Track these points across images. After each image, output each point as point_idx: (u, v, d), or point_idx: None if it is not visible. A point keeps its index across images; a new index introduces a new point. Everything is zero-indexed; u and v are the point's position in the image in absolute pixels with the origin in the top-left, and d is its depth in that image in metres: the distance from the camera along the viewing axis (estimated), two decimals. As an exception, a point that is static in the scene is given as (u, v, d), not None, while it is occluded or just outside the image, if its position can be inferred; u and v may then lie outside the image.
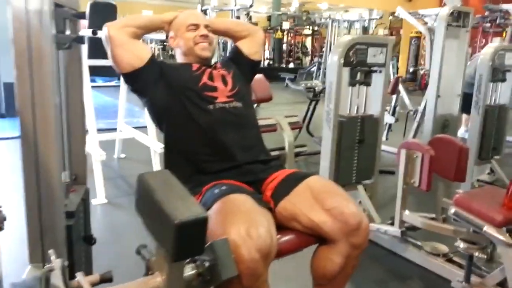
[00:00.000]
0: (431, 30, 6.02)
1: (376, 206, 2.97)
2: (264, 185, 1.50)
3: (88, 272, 1.54)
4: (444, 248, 2.40)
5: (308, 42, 17.85)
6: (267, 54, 17.29)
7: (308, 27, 16.43)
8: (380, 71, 2.82)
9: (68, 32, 1.19)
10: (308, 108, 4.61)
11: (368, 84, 2.79)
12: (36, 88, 0.97)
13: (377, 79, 2.85)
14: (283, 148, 3.40)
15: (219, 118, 1.53)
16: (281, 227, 1.38)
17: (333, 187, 1.41)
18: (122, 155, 4.40)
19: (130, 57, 1.53)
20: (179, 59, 1.72)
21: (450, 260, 2.32)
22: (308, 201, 1.35)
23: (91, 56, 3.58)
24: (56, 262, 0.88)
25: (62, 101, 1.35)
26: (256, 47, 1.83)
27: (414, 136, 4.80)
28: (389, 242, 2.56)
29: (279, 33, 15.63)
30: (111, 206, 3.19)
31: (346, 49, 2.55)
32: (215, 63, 1.78)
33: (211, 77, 1.62)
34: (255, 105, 8.42)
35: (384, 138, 5.12)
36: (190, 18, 1.68)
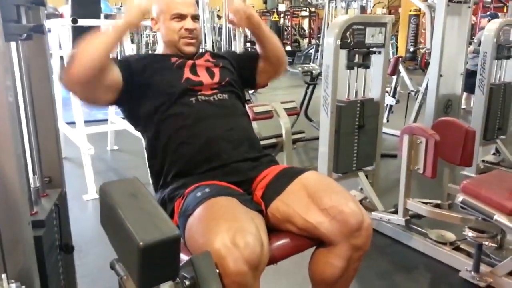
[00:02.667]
0: (431, 7, 5.84)
1: (378, 192, 2.85)
2: (254, 184, 1.36)
3: (69, 281, 1.43)
4: (451, 236, 2.29)
5: (306, 24, 17.54)
6: (264, 38, 17.03)
7: (305, 8, 16.12)
8: (380, 52, 2.67)
9: (24, 22, 1.05)
10: (306, 92, 4.46)
11: (367, 66, 2.65)
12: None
13: (377, 61, 2.70)
14: (280, 135, 3.26)
15: (202, 111, 1.38)
16: (274, 229, 1.25)
17: (331, 184, 1.28)
18: (115, 147, 4.27)
19: (104, 92, 1.35)
20: (159, 45, 1.57)
21: (457, 248, 2.21)
22: (303, 201, 1.22)
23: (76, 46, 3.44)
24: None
25: (26, 97, 1.22)
26: (269, 79, 1.68)
27: (416, 118, 4.66)
28: (393, 231, 2.45)
29: (276, 15, 15.35)
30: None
31: (342, 30, 2.40)
32: (205, 52, 1.62)
33: (193, 70, 1.46)
34: (251, 91, 8.22)
35: (384, 120, 4.98)
36: (177, 6, 1.46)
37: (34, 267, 1.04)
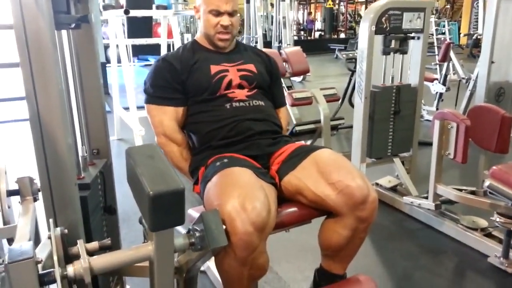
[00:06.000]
0: (487, -10, 5.54)
1: (415, 179, 2.86)
2: (272, 159, 1.49)
3: (113, 240, 1.64)
4: (483, 222, 2.28)
5: (363, 10, 17.12)
6: (317, 25, 16.84)
7: (361, -6, 15.75)
8: (418, 38, 2.66)
9: (73, 12, 1.24)
10: (350, 79, 4.47)
11: (404, 52, 2.65)
12: (37, 70, 1.02)
13: (415, 46, 2.70)
14: (319, 121, 3.34)
15: (235, 112, 1.53)
16: (287, 200, 1.38)
17: (341, 161, 1.37)
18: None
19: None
20: (199, 33, 1.71)
21: (489, 235, 2.20)
22: (314, 176, 1.33)
23: (131, 35, 3.71)
24: (56, 231, 0.95)
25: (76, 81, 1.42)
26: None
27: (467, 106, 4.52)
28: (425, 216, 2.47)
29: (330, 2, 15.12)
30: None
31: (378, 15, 2.43)
32: (245, 46, 1.76)
33: (229, 85, 1.58)
34: (300, 79, 8.28)
35: (434, 108, 4.87)
36: (215, 2, 1.55)
37: (80, 222, 1.24)
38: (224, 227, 1.05)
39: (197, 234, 1.00)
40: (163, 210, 0.83)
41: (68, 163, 1.16)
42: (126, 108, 3.92)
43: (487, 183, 1.91)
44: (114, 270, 0.95)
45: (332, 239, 1.33)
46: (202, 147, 1.55)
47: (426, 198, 2.42)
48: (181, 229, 1.46)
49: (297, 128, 3.37)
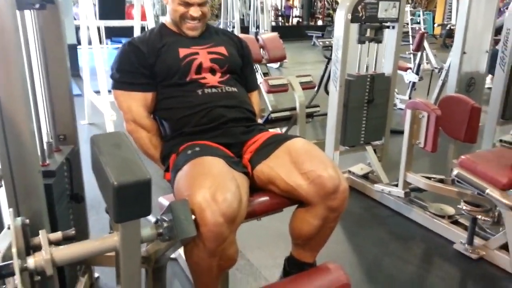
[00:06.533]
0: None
1: (386, 167, 2.91)
2: (245, 147, 1.48)
3: (81, 229, 1.61)
4: (450, 210, 2.34)
5: (340, -3, 17.12)
6: (295, 12, 16.77)
7: (339, -19, 15.71)
8: (393, 27, 2.68)
9: (36, -9, 1.18)
10: (326, 67, 4.48)
11: (379, 41, 2.67)
12: (-4, 50, 0.98)
13: (390, 35, 2.71)
14: (294, 109, 3.34)
15: (208, 98, 1.50)
16: (259, 189, 1.37)
17: (313, 150, 1.36)
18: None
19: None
20: (168, 18, 1.66)
21: (455, 222, 2.27)
22: (286, 165, 1.32)
23: (102, 17, 3.59)
24: (17, 220, 0.91)
25: (41, 64, 1.36)
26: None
27: (438, 96, 4.60)
28: (395, 203, 2.52)
29: (308, -12, 15.05)
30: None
31: (354, 3, 2.42)
32: (216, 29, 1.70)
33: (199, 69, 1.53)
34: (277, 65, 8.25)
35: (406, 97, 4.95)
36: None
37: (44, 210, 1.20)
38: (193, 217, 1.03)
39: (165, 224, 0.98)
40: (128, 201, 0.81)
41: (30, 149, 1.12)
42: (98, 92, 3.82)
43: (455, 172, 1.95)
44: (78, 261, 0.92)
45: (302, 229, 1.34)
46: (174, 134, 1.51)
47: (396, 185, 2.46)
48: (151, 218, 1.44)
49: (273, 115, 3.36)
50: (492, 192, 1.82)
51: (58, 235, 0.97)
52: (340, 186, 1.28)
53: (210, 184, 1.13)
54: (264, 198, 1.33)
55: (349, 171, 2.87)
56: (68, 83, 1.48)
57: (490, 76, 4.79)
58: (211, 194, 1.10)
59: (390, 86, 2.75)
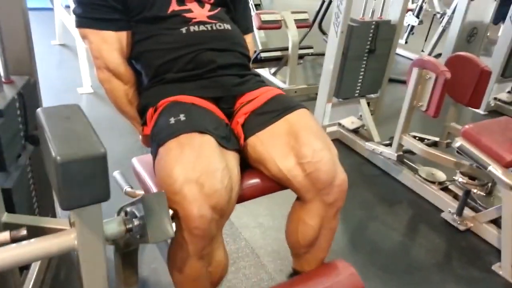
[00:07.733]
0: None
1: (378, 121, 2.77)
2: (237, 103, 1.24)
3: (40, 175, 1.39)
4: (441, 175, 2.25)
5: None
6: None
7: None
8: (406, -33, 2.38)
9: None
10: (323, 2, 4.12)
11: (389, -18, 2.38)
12: None
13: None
14: (286, 49, 3.08)
15: (194, 39, 1.23)
16: (249, 167, 1.19)
17: (316, 131, 1.14)
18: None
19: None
20: None
21: (445, 189, 2.18)
22: (282, 147, 1.12)
23: None
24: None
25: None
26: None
27: (436, 43, 4.37)
28: (384, 163, 2.41)
29: None
30: (96, 96, 3.01)
31: None
32: None
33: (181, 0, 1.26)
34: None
35: (403, 41, 4.69)
36: None
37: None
38: (171, 212, 0.86)
39: (136, 222, 0.81)
40: (77, 182, 0.62)
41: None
42: (69, 7, 3.41)
43: (458, 143, 1.82)
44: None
45: (300, 232, 1.17)
46: (152, 82, 1.26)
47: (389, 145, 2.33)
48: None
49: (262, 55, 3.10)
50: (495, 169, 1.70)
51: (5, 235, 0.77)
52: (336, 179, 1.10)
53: (198, 170, 0.93)
54: (255, 181, 1.15)
55: (339, 124, 2.71)
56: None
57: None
58: (199, 186, 0.92)
59: (395, 35, 2.51)
